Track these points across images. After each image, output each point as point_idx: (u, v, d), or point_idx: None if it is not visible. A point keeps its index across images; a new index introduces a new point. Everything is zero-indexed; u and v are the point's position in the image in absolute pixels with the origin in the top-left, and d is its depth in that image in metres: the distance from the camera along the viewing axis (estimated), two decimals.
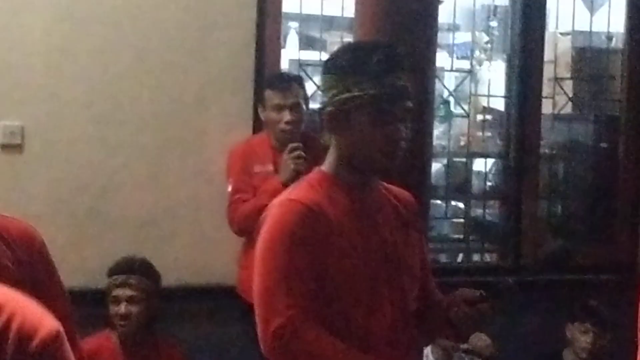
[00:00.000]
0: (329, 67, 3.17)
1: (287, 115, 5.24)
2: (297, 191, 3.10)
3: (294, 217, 2.98)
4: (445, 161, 6.52)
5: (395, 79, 3.01)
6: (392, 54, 3.09)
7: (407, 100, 3.05)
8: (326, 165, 3.13)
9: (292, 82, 5.48)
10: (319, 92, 3.19)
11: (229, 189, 5.32)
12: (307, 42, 6.55)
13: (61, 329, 1.29)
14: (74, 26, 5.27)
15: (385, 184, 3.21)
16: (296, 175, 4.80)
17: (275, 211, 3.03)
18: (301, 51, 6.38)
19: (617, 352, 4.84)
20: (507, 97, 6.58)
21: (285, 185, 4.71)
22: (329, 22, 6.31)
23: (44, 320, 1.29)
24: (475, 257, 6.75)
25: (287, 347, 2.91)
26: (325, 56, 6.04)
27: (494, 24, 6.67)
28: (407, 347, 3.09)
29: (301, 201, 3.00)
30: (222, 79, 5.66)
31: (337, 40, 5.96)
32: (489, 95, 6.72)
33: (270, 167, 5.24)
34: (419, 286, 3.17)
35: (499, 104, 6.66)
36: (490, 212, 6.81)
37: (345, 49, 3.33)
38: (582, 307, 5.50)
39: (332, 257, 2.97)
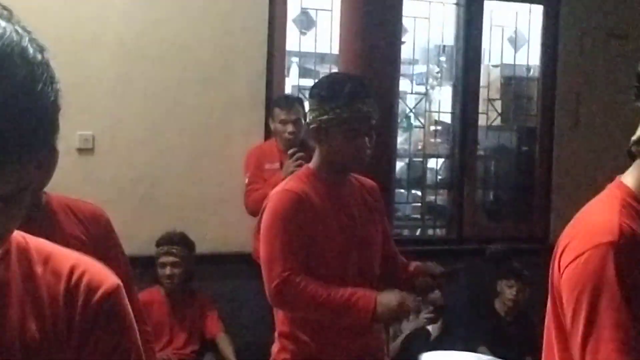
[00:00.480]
0: (313, 94, 3.23)
1: (290, 127, 5.25)
2: (290, 183, 3.18)
3: (288, 203, 3.07)
4: (406, 160, 6.51)
5: (362, 105, 3.06)
6: (359, 85, 3.14)
7: (371, 119, 3.09)
8: (312, 164, 3.21)
9: (295, 102, 5.47)
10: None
11: (246, 181, 5.31)
12: (304, 73, 6.51)
13: (120, 284, 1.26)
14: (132, 58, 5.26)
15: (355, 175, 3.24)
16: (290, 175, 4.88)
17: (274, 198, 3.12)
18: (300, 79, 6.37)
19: (535, 302, 4.84)
20: (452, 112, 6.54)
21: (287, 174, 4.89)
22: (321, 58, 6.27)
23: (107, 277, 1.26)
24: (429, 232, 6.75)
25: (285, 296, 3.02)
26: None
27: (442, 58, 6.64)
28: None
29: (293, 191, 3.09)
30: (242, 100, 5.64)
31: (327, 71, 5.91)
32: (439, 112, 6.69)
33: (277, 165, 5.22)
34: (382, 253, 3.21)
35: (447, 118, 6.63)
36: (440, 198, 6.79)
37: (324, 80, 3.35)
38: (508, 268, 5.50)
39: (315, 232, 3.05)
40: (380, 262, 3.20)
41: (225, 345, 5.00)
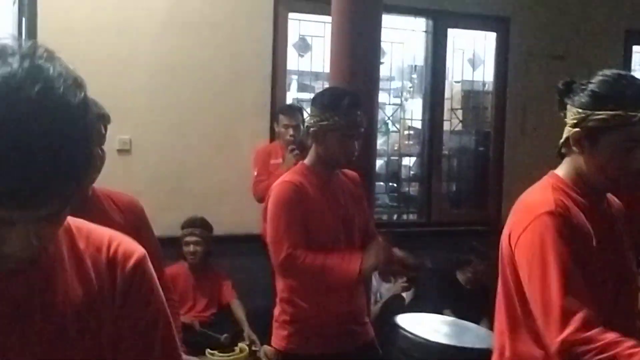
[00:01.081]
0: (316, 103, 3.21)
1: (291, 131, 5.30)
2: (289, 176, 3.18)
3: (288, 192, 3.07)
4: (385, 158, 6.51)
5: (355, 115, 3.06)
6: (355, 99, 3.13)
7: (361, 127, 3.10)
8: (307, 161, 3.20)
9: (296, 111, 5.52)
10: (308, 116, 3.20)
11: (254, 174, 5.32)
12: (302, 88, 6.53)
13: (146, 253, 1.29)
14: (162, 76, 5.26)
15: (342, 170, 3.25)
16: (293, 165, 4.88)
17: (276, 188, 3.12)
18: (298, 93, 6.42)
19: (489, 274, 4.84)
20: (422, 120, 6.54)
21: (287, 168, 4.92)
22: (316, 75, 6.29)
23: (136, 247, 1.28)
24: (404, 217, 6.76)
25: (290, 267, 3.02)
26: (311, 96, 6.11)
27: (414, 76, 6.65)
28: None
29: (291, 182, 3.10)
30: (252, 109, 5.65)
31: (321, 86, 5.92)
32: (411, 119, 6.69)
33: (280, 161, 5.24)
34: (364, 233, 3.22)
35: (418, 124, 6.63)
36: (412, 189, 6.80)
37: (327, 92, 3.34)
38: (468, 246, 5.52)
39: (310, 217, 3.05)
40: (361, 240, 3.19)
41: (238, 309, 5.02)
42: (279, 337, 3.20)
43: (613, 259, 2.12)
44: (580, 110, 2.03)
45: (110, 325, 1.23)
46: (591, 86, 2.03)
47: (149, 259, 1.28)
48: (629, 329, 2.06)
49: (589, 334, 1.86)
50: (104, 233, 1.29)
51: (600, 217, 2.12)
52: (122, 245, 1.27)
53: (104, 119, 2.51)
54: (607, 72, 2.08)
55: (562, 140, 2.13)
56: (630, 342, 1.84)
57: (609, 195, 2.28)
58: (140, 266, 1.27)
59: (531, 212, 2.03)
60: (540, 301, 1.96)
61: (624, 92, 2.00)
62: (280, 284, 3.22)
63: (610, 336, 1.85)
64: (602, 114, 1.99)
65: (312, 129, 3.13)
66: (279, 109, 5.60)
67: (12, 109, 0.97)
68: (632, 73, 7.19)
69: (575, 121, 2.05)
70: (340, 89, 3.50)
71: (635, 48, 7.36)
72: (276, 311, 3.24)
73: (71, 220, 1.25)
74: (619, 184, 2.14)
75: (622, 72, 2.11)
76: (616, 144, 2.02)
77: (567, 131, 2.09)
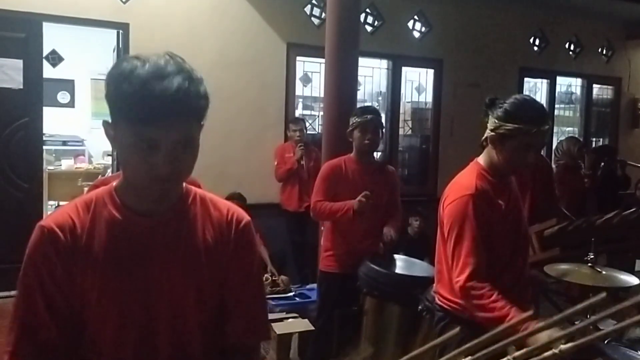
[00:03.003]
0: (355, 112, 3.28)
1: (297, 133, 5.31)
2: (334, 160, 3.27)
3: (326, 167, 3.23)
4: None
5: (367, 115, 3.15)
6: (365, 108, 3.31)
7: (372, 123, 3.15)
8: (353, 152, 3.24)
9: (300, 120, 5.52)
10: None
11: (275, 163, 5.32)
12: (305, 107, 6.51)
13: (250, 220, 1.29)
14: (213, 96, 5.24)
15: (376, 162, 3.33)
16: (300, 156, 5.15)
17: (324, 166, 3.26)
18: (303, 110, 6.36)
19: (430, 227, 4.85)
20: (385, 127, 6.51)
21: (298, 162, 5.11)
22: (315, 99, 6.27)
23: (244, 214, 1.28)
24: None
25: (316, 211, 3.14)
26: (313, 113, 6.10)
27: (380, 98, 6.62)
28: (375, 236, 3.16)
29: (333, 164, 3.21)
30: (272, 120, 5.62)
31: (318, 107, 5.96)
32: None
33: (292, 154, 5.24)
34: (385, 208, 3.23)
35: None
36: None
37: (359, 108, 3.39)
38: (414, 211, 5.53)
39: (342, 186, 3.11)
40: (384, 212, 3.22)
41: (264, 252, 4.99)
42: (320, 260, 3.29)
43: (513, 223, 2.11)
44: (496, 121, 2.03)
45: (225, 263, 1.22)
46: (505, 105, 2.03)
47: (252, 225, 1.28)
48: (520, 275, 2.10)
49: (479, 284, 1.89)
50: (224, 203, 1.29)
51: (506, 193, 2.11)
52: (236, 212, 1.27)
53: None
54: (518, 96, 2.09)
55: (483, 138, 2.12)
56: (503, 302, 1.83)
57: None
58: (247, 227, 1.26)
59: (458, 191, 2.03)
60: (451, 255, 1.98)
61: (526, 112, 1.99)
62: (323, 226, 3.34)
63: (493, 292, 1.86)
64: (509, 126, 1.99)
65: (348, 130, 3.19)
66: (289, 120, 5.60)
67: (167, 75, 1.06)
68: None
69: (492, 127, 2.04)
70: (366, 106, 3.62)
71: (525, 79, 7.35)
72: (322, 249, 3.30)
73: (206, 193, 1.28)
74: (518, 172, 2.17)
75: (528, 97, 2.11)
76: (517, 147, 2.01)
77: (487, 133, 2.08)
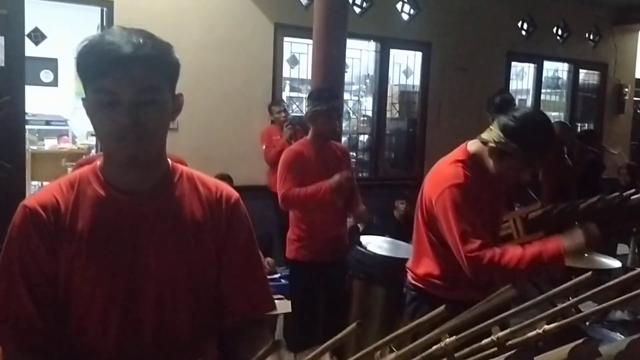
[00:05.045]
0: (309, 97, 3.25)
1: (282, 114, 5.36)
2: (294, 147, 3.21)
3: (289, 153, 3.12)
4: (347, 136, 6.44)
5: (336, 103, 3.13)
6: (333, 95, 3.17)
7: (338, 111, 3.14)
8: (308, 137, 3.18)
9: (281, 101, 5.55)
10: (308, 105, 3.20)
11: (263, 147, 5.31)
12: (293, 89, 6.49)
13: (239, 197, 1.28)
14: (197, 77, 5.20)
15: (333, 142, 3.27)
16: (289, 136, 5.07)
17: (284, 153, 3.16)
18: (290, 92, 6.34)
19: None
20: (372, 110, 6.51)
21: (288, 142, 4.96)
22: (302, 81, 6.25)
23: (233, 191, 1.27)
24: (360, 175, 6.59)
25: (288, 200, 3.07)
26: (301, 95, 6.10)
27: (367, 81, 6.62)
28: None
29: (294, 150, 3.13)
30: (259, 102, 5.58)
31: (305, 89, 5.92)
32: (365, 110, 6.65)
33: (279, 137, 5.23)
34: None
35: (369, 113, 6.60)
36: (366, 155, 6.74)
37: (315, 90, 3.36)
38: (401, 194, 5.53)
39: (306, 171, 3.05)
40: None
41: None
42: (288, 250, 3.21)
43: (497, 211, 2.16)
44: (501, 134, 1.96)
45: (217, 242, 1.20)
46: (515, 121, 1.95)
47: (241, 201, 1.27)
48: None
49: (487, 250, 1.90)
50: (211, 180, 1.28)
51: (492, 183, 2.11)
52: (225, 189, 1.26)
53: None
54: (530, 113, 2.00)
55: (483, 136, 2.05)
56: (519, 249, 1.89)
57: None
58: (238, 203, 1.25)
59: (446, 180, 2.02)
60: (453, 242, 1.98)
61: (534, 138, 1.94)
62: (291, 216, 3.22)
63: (504, 249, 1.90)
64: (512, 145, 1.94)
65: (308, 114, 3.13)
66: (270, 103, 5.54)
67: (129, 33, 1.07)
68: (510, 81, 7.31)
69: (495, 139, 1.98)
70: (327, 88, 3.52)
71: (513, 63, 7.37)
72: (289, 234, 3.23)
73: (193, 171, 1.27)
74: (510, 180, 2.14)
75: (539, 119, 2.01)
76: (515, 166, 1.99)
77: (488, 136, 2.01)
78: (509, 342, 0.72)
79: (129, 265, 1.12)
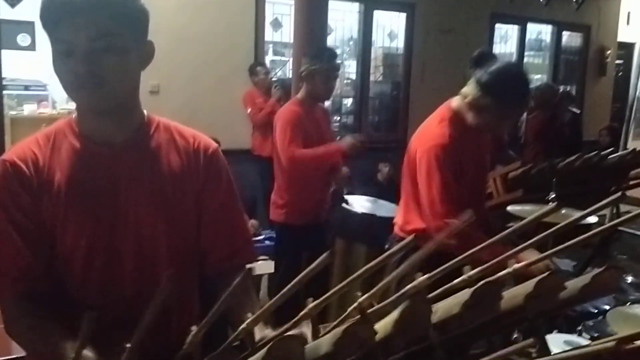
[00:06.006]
0: (306, 55, 3.10)
1: (269, 77, 5.39)
2: (290, 106, 3.07)
3: (290, 113, 3.00)
4: (331, 100, 6.39)
5: (335, 62, 3.01)
6: (332, 53, 3.08)
7: (337, 71, 3.05)
8: (300, 94, 3.08)
9: (265, 67, 5.50)
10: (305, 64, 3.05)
11: (248, 110, 5.29)
12: (276, 52, 6.43)
13: (218, 147, 1.27)
14: (180, 41, 5.12)
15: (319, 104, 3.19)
16: (278, 97, 5.08)
17: (283, 113, 3.06)
18: (274, 56, 6.29)
19: (398, 175, 4.90)
20: (356, 73, 6.47)
21: (278, 101, 4.99)
22: (285, 45, 6.19)
23: (211, 142, 1.26)
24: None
25: (293, 159, 2.95)
26: (284, 59, 6.05)
27: (351, 43, 6.58)
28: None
29: (292, 110, 3.01)
30: (242, 65, 5.51)
31: (286, 51, 5.88)
32: (349, 73, 6.61)
33: (261, 99, 5.21)
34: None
35: (353, 76, 6.56)
36: (349, 119, 6.74)
37: (313, 49, 3.21)
38: (384, 157, 5.57)
39: (302, 129, 2.97)
40: None
41: None
42: (275, 214, 3.16)
43: (481, 169, 2.18)
44: (477, 89, 2.00)
45: (196, 192, 1.20)
46: (491, 74, 1.98)
47: (220, 151, 1.26)
48: (483, 218, 2.19)
49: (453, 220, 1.89)
50: (189, 131, 1.26)
51: (476, 140, 2.14)
52: (202, 140, 1.25)
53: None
54: (505, 67, 2.01)
55: (463, 90, 2.08)
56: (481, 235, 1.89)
57: None
58: (216, 154, 1.24)
59: (431, 140, 2.04)
60: (427, 198, 2.02)
61: (510, 91, 1.97)
62: (279, 179, 3.13)
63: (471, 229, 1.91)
64: (488, 99, 1.98)
65: (303, 72, 3.01)
66: (250, 67, 5.47)
67: None
68: (494, 44, 7.29)
69: (473, 94, 2.02)
70: (325, 47, 3.46)
71: (497, 25, 7.34)
72: (274, 196, 3.17)
73: (170, 122, 1.26)
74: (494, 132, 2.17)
75: (515, 71, 2.04)
76: (493, 118, 2.02)
77: (467, 90, 2.04)
78: (480, 282, 0.75)
79: (109, 216, 1.13)
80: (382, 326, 0.70)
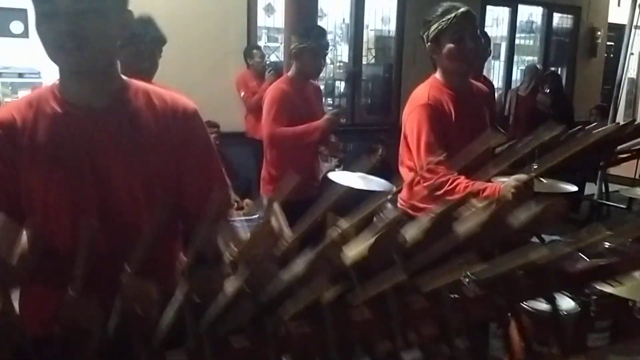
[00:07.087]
0: (295, 33, 3.14)
1: (264, 60, 5.45)
2: (278, 84, 3.11)
3: (278, 91, 3.03)
4: (324, 82, 6.43)
5: (323, 40, 3.04)
6: (320, 30, 3.12)
7: (326, 49, 3.07)
8: (291, 72, 3.11)
9: (260, 50, 5.52)
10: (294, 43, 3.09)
11: (241, 94, 5.34)
12: (269, 38, 6.46)
13: (197, 109, 1.28)
14: (173, 26, 5.13)
15: (311, 81, 3.21)
16: (271, 80, 4.93)
17: (270, 91, 3.08)
18: (267, 42, 6.34)
19: (392, 153, 4.95)
20: (349, 56, 6.50)
21: (270, 85, 4.86)
22: (278, 30, 6.21)
23: (190, 103, 1.29)
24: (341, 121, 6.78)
25: (275, 138, 3.02)
26: (277, 44, 6.08)
27: (343, 26, 6.61)
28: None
29: (280, 88, 3.04)
30: (235, 50, 5.58)
31: (280, 36, 5.92)
32: (341, 56, 6.66)
33: (255, 83, 5.28)
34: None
35: (346, 59, 6.60)
36: (342, 101, 6.73)
37: (302, 29, 3.21)
38: (378, 138, 5.62)
39: (292, 106, 3.01)
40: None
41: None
42: (265, 189, 3.21)
43: (472, 132, 2.15)
44: (423, 34, 2.22)
45: (174, 153, 1.22)
46: (422, 30, 2.26)
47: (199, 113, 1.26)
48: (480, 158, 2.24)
49: (446, 167, 2.00)
50: (169, 93, 1.29)
51: (463, 103, 2.21)
52: (182, 101, 1.28)
53: (161, 40, 2.47)
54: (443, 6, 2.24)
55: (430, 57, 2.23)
56: (465, 180, 1.98)
57: (477, 86, 2.37)
58: (195, 115, 1.26)
59: (415, 102, 2.16)
60: (416, 155, 2.11)
61: (438, 9, 2.25)
62: (267, 155, 3.16)
63: (458, 177, 1.98)
64: (431, 29, 2.20)
65: (293, 51, 3.04)
66: (245, 50, 5.54)
67: None
68: (486, 27, 7.32)
69: (426, 39, 2.21)
70: (314, 26, 3.47)
71: (488, 7, 7.37)
72: (263, 172, 3.22)
73: (147, 85, 1.28)
74: (465, 64, 2.22)
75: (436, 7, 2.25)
76: (451, 42, 2.16)
77: (427, 50, 2.23)
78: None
79: (91, 180, 1.15)
80: (359, 252, 0.78)
